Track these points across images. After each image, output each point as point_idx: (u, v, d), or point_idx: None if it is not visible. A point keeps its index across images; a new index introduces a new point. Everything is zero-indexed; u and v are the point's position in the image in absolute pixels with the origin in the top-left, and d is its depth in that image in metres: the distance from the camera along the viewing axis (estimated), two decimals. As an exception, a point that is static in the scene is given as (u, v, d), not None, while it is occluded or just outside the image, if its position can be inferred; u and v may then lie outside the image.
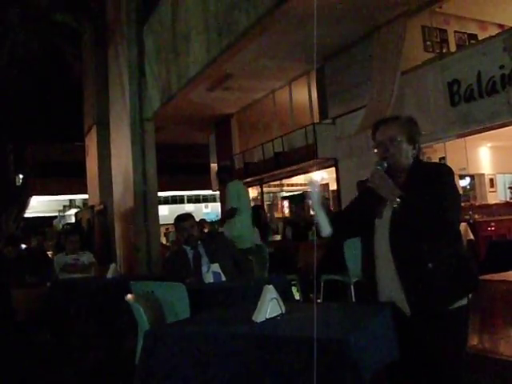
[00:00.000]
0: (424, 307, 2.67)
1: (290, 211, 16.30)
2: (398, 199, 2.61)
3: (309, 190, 2.82)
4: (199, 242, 5.07)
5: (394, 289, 2.72)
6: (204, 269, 4.87)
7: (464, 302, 2.71)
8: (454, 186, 2.75)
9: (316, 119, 13.09)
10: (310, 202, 2.79)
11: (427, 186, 2.65)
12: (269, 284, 2.75)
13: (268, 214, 16.28)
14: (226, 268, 4.87)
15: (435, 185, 2.64)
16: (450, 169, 2.78)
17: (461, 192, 11.90)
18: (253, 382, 2.32)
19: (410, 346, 2.69)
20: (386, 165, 2.74)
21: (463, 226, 8.80)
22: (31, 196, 33.63)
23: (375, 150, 2.83)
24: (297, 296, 7.27)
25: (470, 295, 2.75)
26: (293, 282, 7.31)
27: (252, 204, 16.23)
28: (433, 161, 10.09)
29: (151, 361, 2.56)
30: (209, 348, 2.45)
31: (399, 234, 2.69)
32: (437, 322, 2.68)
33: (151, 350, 2.58)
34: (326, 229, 2.77)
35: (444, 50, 10.97)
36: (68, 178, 28.43)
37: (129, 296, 3.38)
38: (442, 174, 2.73)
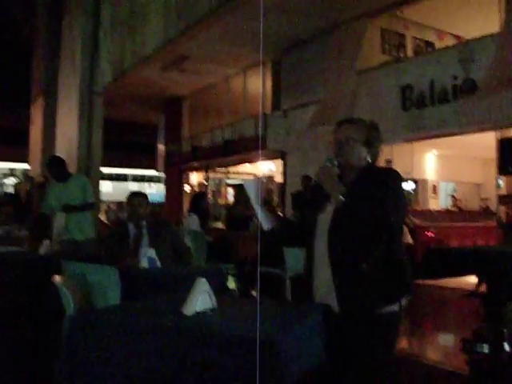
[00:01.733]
0: (353, 308, 2.67)
1: (235, 200, 16.28)
2: (341, 197, 2.60)
3: (247, 187, 2.86)
4: (144, 223, 4.97)
5: (328, 286, 2.71)
6: (143, 250, 4.78)
7: (395, 307, 2.68)
8: (400, 192, 2.75)
9: (268, 110, 13.04)
10: (249, 197, 2.83)
11: (373, 187, 2.64)
12: (205, 274, 2.69)
13: (211, 200, 16.22)
14: (164, 254, 4.78)
15: (380, 187, 2.64)
16: (398, 174, 2.78)
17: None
18: (174, 377, 2.25)
19: (339, 347, 2.67)
20: (335, 162, 2.74)
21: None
22: (-32, 163, 32.52)
23: (332, 147, 2.83)
24: (232, 286, 7.24)
25: (403, 303, 2.73)
26: (230, 272, 7.26)
27: (197, 190, 16.22)
28: (379, 163, 10.20)
29: (74, 347, 2.46)
30: (134, 338, 2.37)
31: (338, 231, 2.69)
32: (364, 325, 2.67)
33: (74, 336, 2.48)
34: (266, 224, 2.85)
35: (401, 55, 11.08)
36: (9, 146, 27.56)
37: (56, 278, 3.25)
38: (390, 177, 2.73)
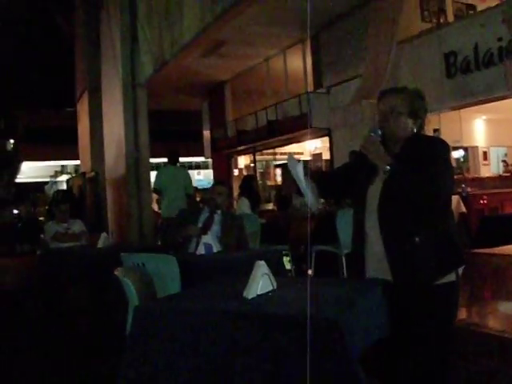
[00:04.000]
0: (408, 281, 2.66)
1: (283, 179, 16.26)
2: (387, 167, 2.58)
3: (291, 167, 2.74)
4: (219, 212, 5.13)
5: (381, 260, 2.70)
6: (209, 235, 4.91)
7: (452, 277, 2.68)
8: (447, 161, 2.72)
9: (310, 88, 12.95)
10: (296, 178, 2.75)
11: (419, 158, 2.61)
12: (261, 257, 2.72)
13: (260, 182, 16.27)
14: (229, 244, 4.93)
15: (427, 157, 2.61)
16: (444, 143, 2.74)
17: (454, 164, 11.87)
18: (242, 359, 2.29)
19: (397, 320, 2.68)
20: (380, 132, 2.72)
21: (455, 198, 8.76)
22: (22, 161, 33.38)
23: (376, 117, 2.80)
24: (288, 266, 7.27)
25: (460, 271, 2.72)
26: (284, 252, 7.29)
27: (245, 173, 16.27)
28: (427, 132, 10.05)
29: (141, 336, 2.53)
30: (199, 325, 2.42)
31: (388, 204, 2.67)
32: (422, 296, 2.66)
33: (141, 326, 2.55)
34: (314, 204, 2.91)
35: (442, 21, 10.84)
36: (60, 144, 28.12)
37: (119, 270, 3.34)
38: (436, 147, 2.70)
